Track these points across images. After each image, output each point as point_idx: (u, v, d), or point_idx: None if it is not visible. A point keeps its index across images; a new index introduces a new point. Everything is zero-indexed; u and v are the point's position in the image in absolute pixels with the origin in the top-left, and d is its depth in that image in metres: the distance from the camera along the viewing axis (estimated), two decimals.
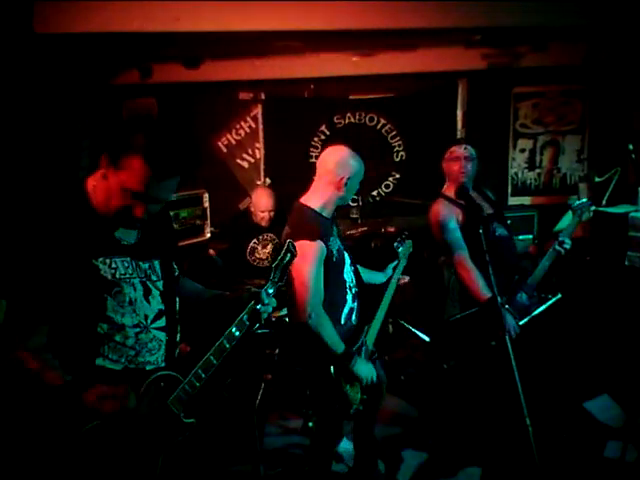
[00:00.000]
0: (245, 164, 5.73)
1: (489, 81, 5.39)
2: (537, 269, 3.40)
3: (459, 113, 5.51)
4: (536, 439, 2.74)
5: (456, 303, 3.41)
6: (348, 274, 2.87)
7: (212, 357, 1.91)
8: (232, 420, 3.85)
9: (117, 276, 1.80)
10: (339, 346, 2.70)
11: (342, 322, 2.82)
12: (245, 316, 1.99)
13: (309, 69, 5.41)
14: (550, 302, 3.36)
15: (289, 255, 2.17)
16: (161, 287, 1.93)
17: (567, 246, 3.40)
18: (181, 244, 4.30)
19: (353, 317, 2.90)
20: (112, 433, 1.72)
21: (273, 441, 3.86)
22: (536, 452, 2.61)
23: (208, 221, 4.54)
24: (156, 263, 1.95)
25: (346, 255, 2.89)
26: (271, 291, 2.08)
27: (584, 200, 3.54)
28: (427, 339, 4.70)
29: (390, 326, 4.73)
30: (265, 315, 2.06)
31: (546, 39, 5.00)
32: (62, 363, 1.73)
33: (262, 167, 5.71)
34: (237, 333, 1.96)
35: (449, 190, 3.43)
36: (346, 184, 2.75)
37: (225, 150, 5.71)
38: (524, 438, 2.56)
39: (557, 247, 3.38)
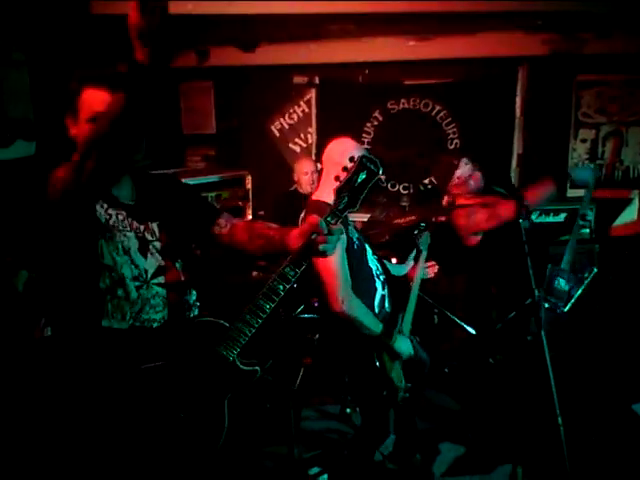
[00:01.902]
0: (297, 148, 5.73)
1: (550, 68, 5.18)
2: (567, 252, 3.32)
3: (518, 100, 5.33)
4: (574, 439, 2.65)
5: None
6: (372, 262, 2.87)
7: (262, 301, 1.79)
8: (271, 402, 3.88)
9: (111, 223, 1.81)
10: (377, 326, 2.68)
11: (376, 311, 2.81)
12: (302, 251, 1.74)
13: (364, 53, 5.34)
14: (588, 280, 3.28)
15: (365, 173, 1.72)
16: (158, 247, 1.92)
17: (590, 217, 3.33)
18: None
19: (386, 304, 2.88)
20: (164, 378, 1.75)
21: (310, 425, 3.87)
22: (567, 452, 2.53)
23: (250, 203, 4.57)
24: (154, 225, 1.93)
25: (366, 245, 2.89)
26: (332, 220, 1.74)
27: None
28: (473, 332, 4.62)
29: (436, 317, 4.65)
30: (330, 250, 1.71)
31: (611, 25, 4.78)
32: (65, 329, 1.77)
33: (314, 152, 5.69)
34: (292, 273, 1.75)
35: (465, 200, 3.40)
36: None
37: (278, 134, 5.72)
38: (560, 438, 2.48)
39: (580, 222, 3.31)
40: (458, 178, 3.38)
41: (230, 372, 1.83)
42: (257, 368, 1.87)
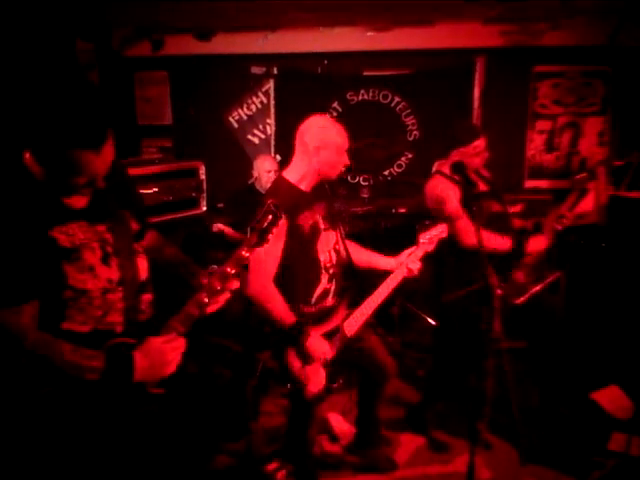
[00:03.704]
0: (256, 140, 5.65)
1: (508, 59, 5.21)
2: None
3: (476, 92, 5.34)
4: (528, 428, 2.66)
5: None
6: (325, 253, 2.77)
7: (177, 325, 1.83)
8: (230, 397, 3.82)
9: (77, 243, 1.73)
10: (287, 318, 2.59)
11: (312, 302, 2.74)
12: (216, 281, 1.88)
13: (323, 44, 5.31)
14: (548, 281, 3.27)
15: (270, 216, 1.97)
16: (118, 249, 1.84)
17: (566, 222, 3.31)
18: (175, 216, 4.24)
19: (329, 298, 2.81)
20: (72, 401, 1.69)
21: (270, 419, 3.82)
22: (521, 441, 2.54)
23: (204, 194, 4.47)
24: (110, 223, 1.86)
25: (328, 234, 2.79)
26: (246, 255, 1.93)
27: (584, 175, 3.44)
28: (433, 323, 4.63)
29: (396, 308, 4.65)
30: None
31: (568, 16, 4.82)
32: None
33: (273, 143, 5.63)
34: (206, 300, 1.86)
35: (444, 168, 3.35)
36: (319, 154, 2.66)
37: (236, 125, 5.63)
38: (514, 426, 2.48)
39: (556, 222, 3.30)
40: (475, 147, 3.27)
41: (136, 395, 1.80)
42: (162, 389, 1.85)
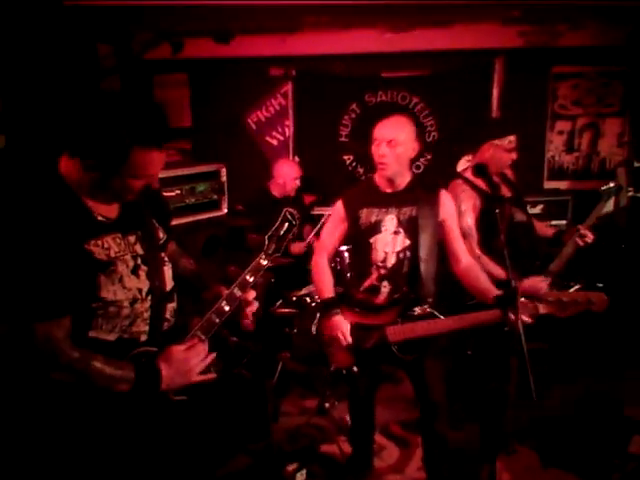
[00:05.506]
0: (274, 142, 5.67)
1: (527, 60, 5.18)
2: (559, 255, 3.27)
3: (495, 93, 5.31)
4: (553, 431, 2.65)
5: None
6: (380, 252, 2.78)
7: (200, 333, 1.87)
8: (249, 398, 3.84)
9: (112, 255, 1.75)
10: (323, 292, 2.90)
11: (361, 290, 2.86)
12: (235, 289, 1.92)
13: (341, 45, 5.30)
14: (571, 290, 3.23)
15: (287, 224, 2.02)
16: (146, 259, 1.85)
17: (588, 240, 3.22)
18: (197, 218, 4.28)
19: (379, 297, 2.81)
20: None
21: (289, 420, 3.85)
22: (542, 444, 2.53)
23: (226, 196, 4.51)
24: (140, 233, 1.87)
25: (395, 237, 2.77)
26: (264, 263, 1.96)
27: (611, 185, 3.36)
28: None
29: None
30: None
31: (587, 17, 4.79)
32: None
33: (291, 145, 5.65)
34: (227, 308, 1.89)
35: (468, 170, 3.32)
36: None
37: (254, 127, 5.66)
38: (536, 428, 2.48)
39: (577, 238, 3.23)
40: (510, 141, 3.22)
41: (159, 402, 1.82)
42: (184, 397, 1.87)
